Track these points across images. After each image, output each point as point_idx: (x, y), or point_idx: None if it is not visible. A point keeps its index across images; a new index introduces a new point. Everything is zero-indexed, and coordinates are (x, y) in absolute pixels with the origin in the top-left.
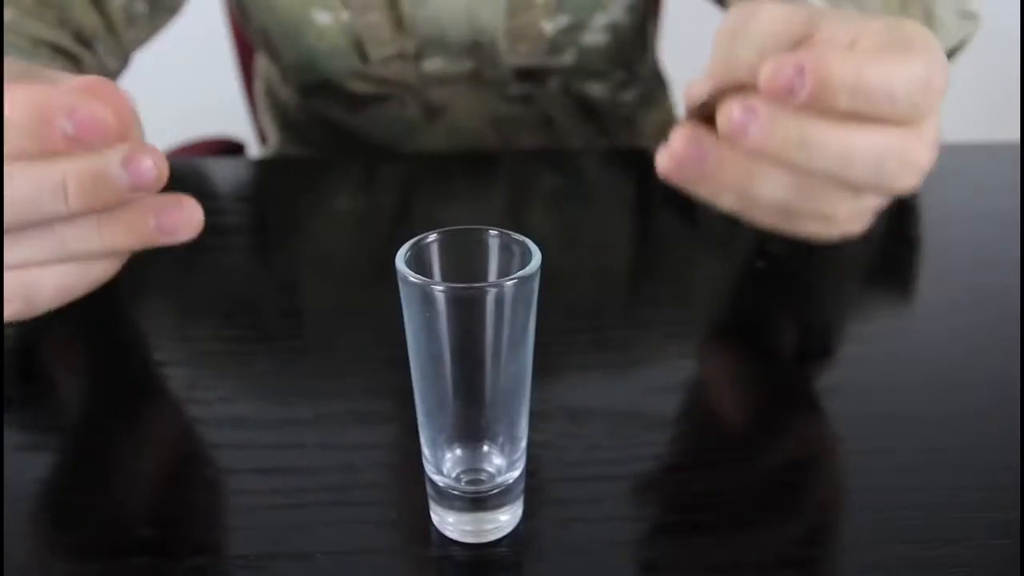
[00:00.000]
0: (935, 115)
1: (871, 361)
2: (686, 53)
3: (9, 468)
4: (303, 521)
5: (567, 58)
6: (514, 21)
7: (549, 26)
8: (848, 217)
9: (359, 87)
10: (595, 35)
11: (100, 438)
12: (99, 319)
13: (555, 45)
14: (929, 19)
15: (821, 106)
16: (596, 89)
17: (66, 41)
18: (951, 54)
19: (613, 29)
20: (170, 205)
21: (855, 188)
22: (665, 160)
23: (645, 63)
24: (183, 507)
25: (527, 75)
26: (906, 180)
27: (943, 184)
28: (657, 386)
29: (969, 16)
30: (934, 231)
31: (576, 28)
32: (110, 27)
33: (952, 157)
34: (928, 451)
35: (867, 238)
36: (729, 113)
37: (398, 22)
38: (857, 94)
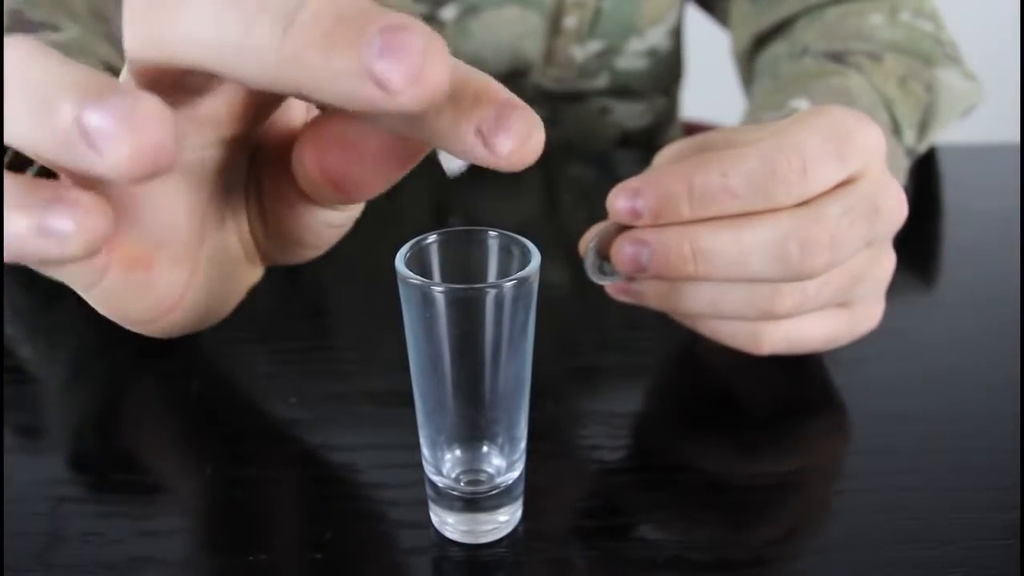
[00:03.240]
0: (830, 189)
1: (871, 361)
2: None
3: (9, 468)
4: (302, 521)
5: (600, 82)
6: (545, 46)
7: (580, 52)
8: (793, 309)
9: None
10: (631, 60)
11: (99, 438)
12: (98, 319)
13: (586, 70)
14: (931, 91)
15: (677, 217)
16: (630, 111)
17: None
18: (964, 113)
19: (653, 54)
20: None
21: (767, 280)
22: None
23: (680, 87)
24: (183, 507)
25: (559, 98)
26: (814, 260)
27: (943, 184)
28: (657, 386)
29: (971, 77)
30: (934, 231)
31: (609, 53)
32: None
33: (952, 157)
34: (928, 451)
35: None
36: (621, 251)
37: None
38: (696, 199)
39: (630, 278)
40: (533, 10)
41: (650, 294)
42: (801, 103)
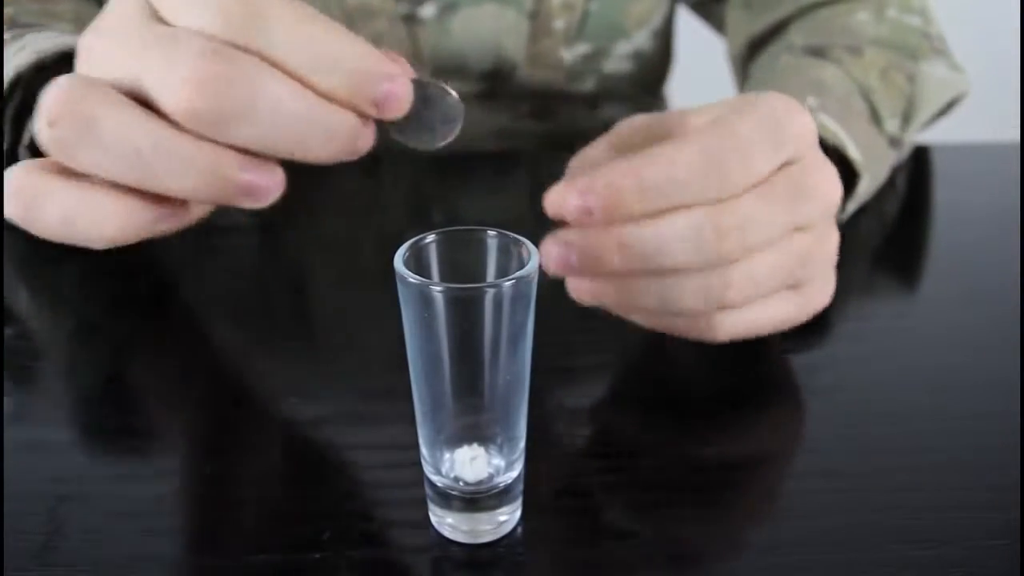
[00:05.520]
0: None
1: (871, 361)
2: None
3: (9, 468)
4: (302, 521)
5: (587, 85)
6: (533, 48)
7: (568, 54)
8: (745, 298)
9: None
10: (617, 63)
11: (98, 439)
12: (98, 320)
13: (574, 73)
14: (913, 82)
15: (622, 215)
16: (618, 109)
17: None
18: (952, 104)
19: (638, 56)
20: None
21: (690, 268)
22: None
23: (667, 85)
24: (184, 507)
25: (546, 96)
26: (729, 243)
27: (943, 184)
28: (657, 386)
29: (958, 69)
30: (934, 231)
31: (597, 56)
32: None
33: (952, 157)
34: (928, 451)
35: (867, 238)
36: (548, 254)
37: (416, 55)
38: (646, 194)
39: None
40: (511, 7)
41: (609, 293)
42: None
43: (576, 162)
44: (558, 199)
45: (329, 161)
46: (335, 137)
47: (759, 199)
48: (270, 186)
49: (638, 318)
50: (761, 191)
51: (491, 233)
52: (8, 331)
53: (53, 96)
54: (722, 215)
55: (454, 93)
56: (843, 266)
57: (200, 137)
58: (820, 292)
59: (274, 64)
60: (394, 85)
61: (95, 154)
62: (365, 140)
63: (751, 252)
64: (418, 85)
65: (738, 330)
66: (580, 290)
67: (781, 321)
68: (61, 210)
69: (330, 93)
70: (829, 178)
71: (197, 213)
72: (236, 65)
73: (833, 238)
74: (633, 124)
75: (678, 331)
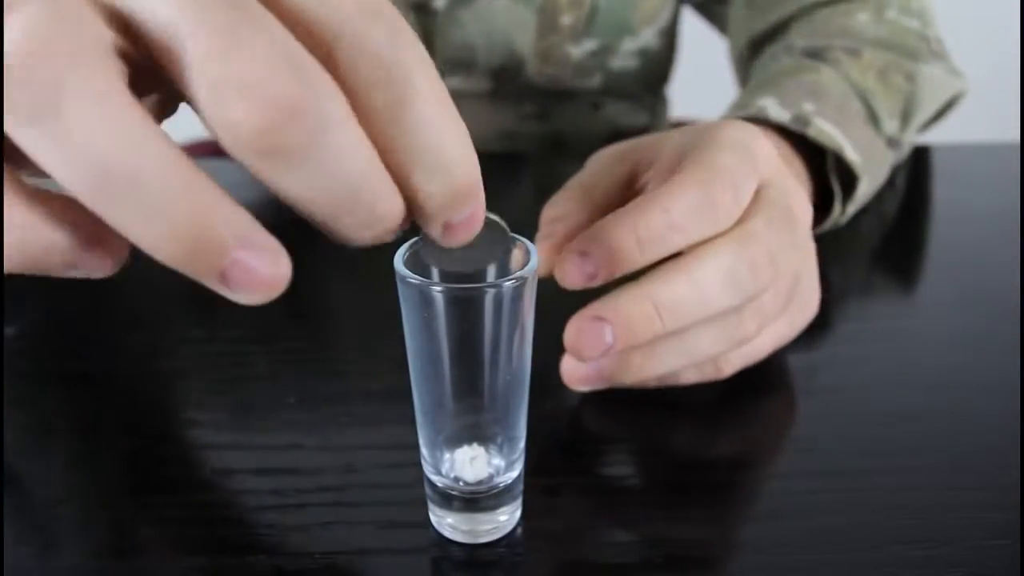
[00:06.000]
0: (753, 202)
1: (871, 361)
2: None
3: (9, 468)
4: (302, 521)
5: (593, 82)
6: (541, 44)
7: (575, 50)
8: (759, 328)
9: None
10: (624, 60)
11: (98, 439)
12: (98, 319)
13: (581, 69)
14: (912, 81)
15: (632, 267)
16: (621, 109)
17: None
18: (950, 105)
19: (644, 54)
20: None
21: (729, 310)
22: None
23: (669, 84)
24: (182, 508)
25: (551, 95)
26: (763, 275)
27: (943, 184)
28: (656, 386)
29: (956, 73)
30: (934, 231)
31: (603, 52)
32: None
33: (952, 157)
34: (928, 451)
35: (867, 238)
36: (582, 337)
37: (426, 43)
38: (645, 245)
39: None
40: (522, 2)
41: (625, 369)
42: (767, 101)
43: (549, 213)
44: (559, 270)
45: (358, 242)
46: (384, 220)
47: (769, 225)
48: (265, 279)
49: (653, 382)
50: (767, 217)
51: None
52: (8, 332)
53: (19, 30)
54: (748, 248)
55: (504, 224)
56: (843, 266)
57: (192, 172)
58: (807, 306)
59: (355, 102)
60: (477, 210)
61: (45, 143)
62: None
63: (777, 280)
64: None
65: (744, 361)
66: (592, 376)
67: (777, 341)
68: None
69: (412, 186)
70: (801, 197)
71: (118, 262)
72: (315, 92)
73: (811, 251)
74: (602, 158)
75: (686, 378)
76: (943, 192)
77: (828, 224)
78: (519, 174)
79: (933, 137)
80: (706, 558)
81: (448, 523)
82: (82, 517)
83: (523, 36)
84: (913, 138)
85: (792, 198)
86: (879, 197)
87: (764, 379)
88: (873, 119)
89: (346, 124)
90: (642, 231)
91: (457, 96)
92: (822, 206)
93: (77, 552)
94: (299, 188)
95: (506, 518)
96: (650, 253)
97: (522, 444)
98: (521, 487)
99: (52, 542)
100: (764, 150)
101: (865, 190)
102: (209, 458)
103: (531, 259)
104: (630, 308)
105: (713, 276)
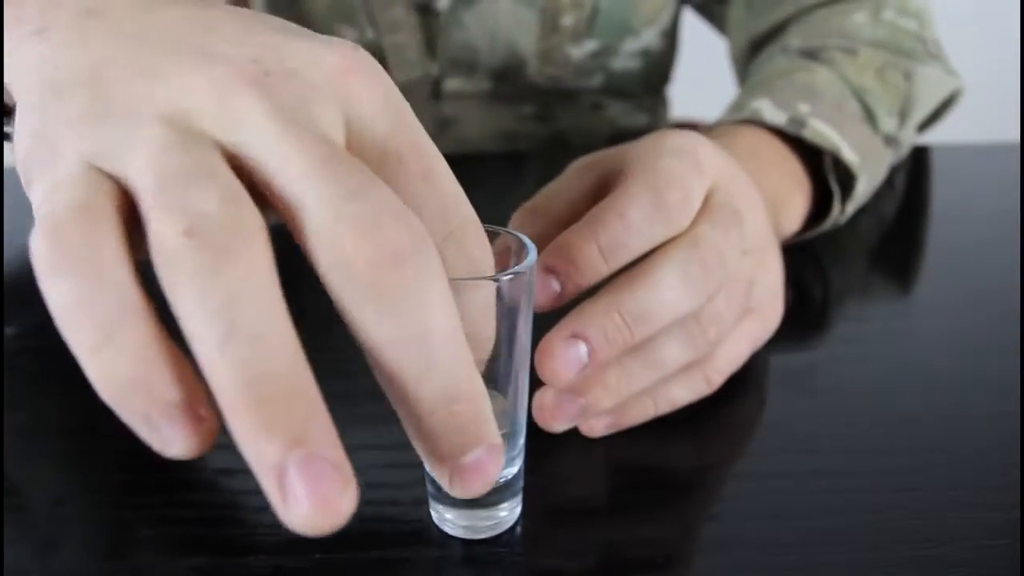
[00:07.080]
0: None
1: (871, 361)
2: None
3: (8, 468)
4: None
5: (594, 82)
6: (542, 44)
7: (577, 51)
8: (720, 332)
9: None
10: (625, 60)
11: (99, 439)
12: None
13: (582, 69)
14: (909, 79)
15: (598, 276)
16: (622, 108)
17: None
18: (948, 104)
19: (645, 55)
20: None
21: (691, 312)
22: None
23: (669, 84)
24: (184, 507)
25: (552, 96)
26: (715, 275)
27: (942, 184)
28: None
29: (953, 74)
30: (934, 231)
31: (605, 53)
32: None
33: (951, 157)
34: (928, 451)
35: (866, 238)
36: (557, 356)
37: (429, 44)
38: (608, 252)
39: None
40: (524, 4)
41: (602, 391)
42: (762, 103)
43: (518, 219)
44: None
45: (429, 422)
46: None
47: (715, 228)
48: (190, 445)
49: (636, 415)
50: (712, 220)
51: (488, 230)
52: (8, 332)
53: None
54: (697, 250)
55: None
56: (842, 266)
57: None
58: (772, 312)
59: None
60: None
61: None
62: None
63: (728, 280)
64: None
65: (727, 367)
66: (558, 412)
67: (752, 345)
68: None
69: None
70: (751, 200)
71: (200, 444)
72: (425, 243)
73: (775, 261)
74: (570, 171)
75: (680, 401)
76: (942, 192)
77: (828, 224)
78: (519, 174)
79: (932, 137)
80: (706, 558)
81: (448, 519)
82: (81, 517)
83: (525, 37)
84: (912, 136)
85: (740, 203)
86: (878, 197)
87: (764, 379)
88: (870, 118)
89: (443, 278)
90: (602, 239)
91: (459, 97)
92: (822, 205)
93: (77, 552)
94: (388, 332)
95: (506, 514)
96: (614, 260)
97: (522, 440)
98: (521, 483)
99: (52, 542)
100: (709, 155)
101: (863, 189)
102: (209, 458)
103: (529, 254)
104: (598, 320)
105: (671, 279)
